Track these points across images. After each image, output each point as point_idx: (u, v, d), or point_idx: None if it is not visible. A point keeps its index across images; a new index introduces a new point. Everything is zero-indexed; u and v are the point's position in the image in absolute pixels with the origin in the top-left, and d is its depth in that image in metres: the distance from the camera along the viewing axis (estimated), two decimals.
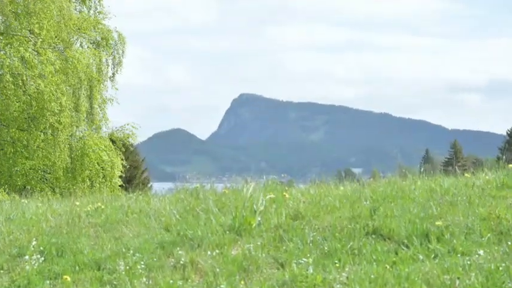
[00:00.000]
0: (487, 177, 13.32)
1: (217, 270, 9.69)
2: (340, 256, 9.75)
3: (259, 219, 11.32)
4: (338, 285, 8.83)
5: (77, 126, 31.45)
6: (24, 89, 29.69)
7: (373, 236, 10.37)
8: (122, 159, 33.38)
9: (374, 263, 9.42)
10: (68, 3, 31.40)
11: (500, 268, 8.74)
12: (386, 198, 12.13)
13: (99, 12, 34.99)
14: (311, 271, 9.29)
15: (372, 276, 8.94)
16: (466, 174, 13.78)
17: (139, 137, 37.36)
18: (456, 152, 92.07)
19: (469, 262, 9.04)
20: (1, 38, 30.26)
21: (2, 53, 29.58)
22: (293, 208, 11.78)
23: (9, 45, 29.80)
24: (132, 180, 49.54)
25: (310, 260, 9.66)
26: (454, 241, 9.82)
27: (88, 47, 34.04)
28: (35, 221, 13.21)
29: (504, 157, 14.71)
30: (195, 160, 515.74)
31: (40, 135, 30.29)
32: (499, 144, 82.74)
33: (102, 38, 34.46)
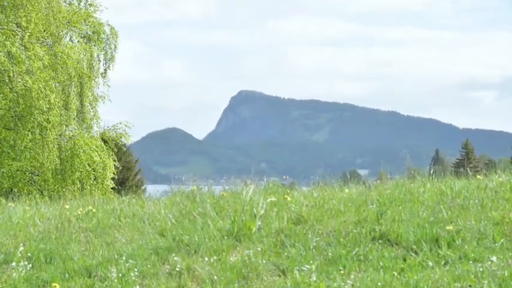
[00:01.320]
0: (500, 179, 13.32)
1: (215, 277, 9.70)
2: (345, 263, 9.76)
3: (259, 223, 11.33)
4: None
5: (67, 126, 31.48)
6: (10, 86, 29.70)
7: (380, 241, 10.38)
8: (114, 160, 33.39)
9: (381, 270, 9.43)
10: None
11: None
12: (394, 201, 12.14)
13: (90, 5, 35.03)
14: (314, 279, 9.30)
15: (379, 284, 8.95)
16: (478, 176, 13.78)
17: (133, 136, 37.42)
18: (468, 153, 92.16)
19: (481, 269, 9.05)
20: None
21: None
22: (295, 212, 11.79)
23: None
24: (125, 182, 49.62)
25: (313, 266, 9.67)
26: (466, 247, 9.83)
27: (78, 41, 34.08)
28: (22, 226, 13.22)
29: None
30: (191, 161, 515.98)
31: (28, 135, 30.30)
32: None
33: (93, 32, 34.51)
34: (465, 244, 9.91)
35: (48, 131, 29.89)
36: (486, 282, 8.68)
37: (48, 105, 29.53)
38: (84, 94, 32.19)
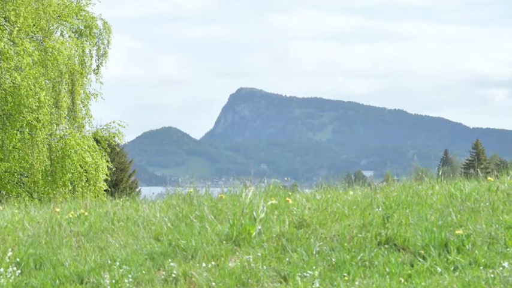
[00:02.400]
0: None
1: (213, 284, 9.69)
2: (350, 268, 9.76)
3: (259, 227, 11.33)
4: None
5: (57, 124, 31.47)
6: None
7: (386, 246, 10.38)
8: (108, 161, 33.39)
9: (387, 276, 9.43)
10: None
11: None
12: (401, 204, 12.14)
13: None
14: (317, 285, 9.29)
15: None
16: (489, 178, 13.79)
17: (127, 136, 37.57)
18: (478, 153, 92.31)
19: (492, 275, 9.05)
20: None
21: None
22: (297, 215, 11.79)
23: None
24: (119, 184, 49.61)
25: (316, 272, 9.66)
26: (476, 252, 9.83)
27: (70, 36, 34.07)
28: (10, 230, 13.22)
29: None
30: (188, 162, 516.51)
31: (16, 135, 30.31)
32: None
33: (85, 27, 34.50)
34: (475, 249, 9.91)
35: (38, 130, 29.90)
36: None
37: (37, 103, 29.53)
38: (75, 92, 32.18)
